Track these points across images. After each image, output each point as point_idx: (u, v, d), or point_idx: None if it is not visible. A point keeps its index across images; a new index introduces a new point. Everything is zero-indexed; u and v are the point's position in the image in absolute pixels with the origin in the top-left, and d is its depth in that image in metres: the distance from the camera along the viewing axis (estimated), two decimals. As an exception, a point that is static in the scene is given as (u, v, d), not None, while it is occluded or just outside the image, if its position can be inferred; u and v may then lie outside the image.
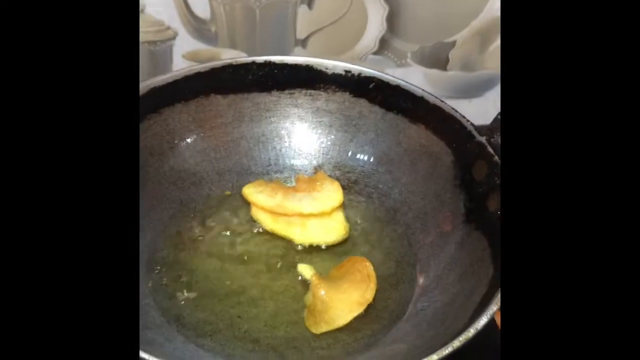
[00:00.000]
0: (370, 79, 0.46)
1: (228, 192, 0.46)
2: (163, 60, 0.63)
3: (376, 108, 0.46)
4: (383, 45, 0.62)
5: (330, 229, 0.43)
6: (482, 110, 0.67)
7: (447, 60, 0.64)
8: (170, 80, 0.44)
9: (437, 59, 0.64)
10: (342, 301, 0.38)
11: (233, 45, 0.62)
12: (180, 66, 0.62)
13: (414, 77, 0.60)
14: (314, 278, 0.39)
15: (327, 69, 0.47)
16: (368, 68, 0.46)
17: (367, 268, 0.40)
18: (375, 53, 0.63)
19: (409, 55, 0.63)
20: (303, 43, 0.62)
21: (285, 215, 0.43)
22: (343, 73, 0.47)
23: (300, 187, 0.44)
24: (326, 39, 0.62)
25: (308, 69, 0.47)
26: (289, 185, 0.46)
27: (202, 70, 0.45)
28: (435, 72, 0.64)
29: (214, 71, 0.45)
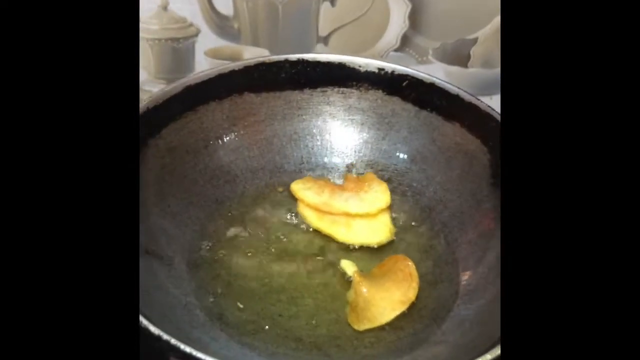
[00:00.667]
0: (403, 77, 0.46)
1: (280, 189, 0.47)
2: (185, 57, 0.62)
3: (409, 106, 0.46)
4: (405, 42, 0.62)
5: (375, 230, 0.43)
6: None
7: (469, 57, 0.64)
8: (204, 78, 0.44)
9: (458, 56, 0.63)
10: (385, 299, 0.38)
11: (255, 43, 0.62)
12: (202, 63, 0.62)
13: (435, 74, 0.60)
14: (355, 275, 0.39)
15: (359, 66, 0.47)
16: (401, 65, 0.46)
17: (409, 267, 0.40)
18: (396, 50, 0.63)
19: (430, 52, 0.63)
20: (325, 40, 0.62)
21: (331, 213, 0.43)
22: (376, 71, 0.47)
23: (348, 186, 0.44)
24: (348, 36, 0.62)
25: (340, 67, 0.47)
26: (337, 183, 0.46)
27: (236, 68, 0.45)
28: (456, 69, 0.64)
29: (247, 69, 0.45)
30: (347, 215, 0.42)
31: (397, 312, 0.38)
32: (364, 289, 0.38)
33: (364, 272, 0.40)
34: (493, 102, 0.68)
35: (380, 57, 0.63)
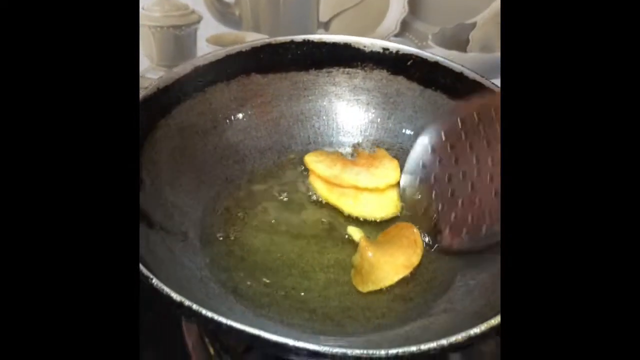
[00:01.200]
0: (408, 56, 0.47)
1: (289, 168, 0.48)
2: (187, 44, 0.63)
3: (414, 85, 0.47)
4: (404, 27, 0.63)
5: (382, 205, 0.44)
6: (501, 90, 0.68)
7: (468, 42, 0.64)
8: (213, 59, 0.44)
9: (457, 41, 0.64)
10: (389, 263, 0.39)
11: (257, 29, 0.62)
12: (204, 50, 0.62)
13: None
14: (362, 240, 0.40)
15: (364, 46, 0.47)
16: (406, 46, 0.47)
17: (415, 234, 0.41)
18: (396, 35, 0.63)
19: (429, 37, 0.64)
20: (325, 26, 0.63)
21: (341, 186, 0.43)
22: (381, 51, 0.47)
23: (359, 161, 0.45)
24: (348, 21, 0.63)
25: (346, 47, 0.48)
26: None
27: (243, 49, 0.46)
28: (455, 53, 0.64)
29: (254, 50, 0.46)
30: (356, 188, 0.43)
31: (401, 276, 0.39)
32: (369, 253, 0.39)
33: (370, 238, 0.41)
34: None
35: (381, 42, 0.63)
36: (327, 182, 0.44)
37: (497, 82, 0.67)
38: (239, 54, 0.45)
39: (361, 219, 0.44)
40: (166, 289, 0.29)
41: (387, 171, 0.45)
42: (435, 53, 0.63)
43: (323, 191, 0.44)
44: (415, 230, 0.41)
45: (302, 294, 0.38)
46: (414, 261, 0.40)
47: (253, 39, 0.62)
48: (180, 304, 0.29)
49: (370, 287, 0.39)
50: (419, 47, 0.64)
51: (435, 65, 0.46)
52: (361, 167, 0.44)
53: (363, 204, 0.44)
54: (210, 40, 0.63)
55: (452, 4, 0.62)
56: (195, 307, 0.29)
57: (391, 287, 0.39)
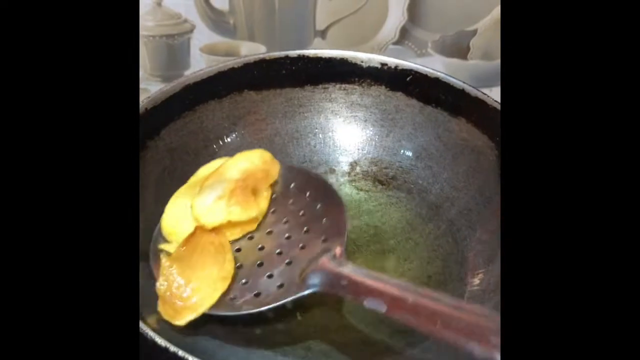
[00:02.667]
0: (407, 72, 0.45)
1: None
2: (180, 53, 0.61)
3: (414, 101, 0.45)
4: (403, 35, 0.61)
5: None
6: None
7: (468, 49, 0.63)
8: (204, 76, 0.43)
9: (458, 48, 0.63)
10: (203, 279, 0.34)
11: (251, 38, 0.61)
12: (198, 60, 0.61)
13: (434, 67, 0.59)
14: (163, 259, 0.35)
15: (362, 62, 0.46)
16: (405, 60, 0.45)
17: (219, 237, 0.36)
18: (395, 43, 0.62)
19: (429, 44, 0.62)
20: (322, 34, 0.61)
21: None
22: (379, 66, 0.46)
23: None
24: (346, 29, 0.61)
25: (342, 63, 0.46)
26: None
27: (236, 65, 0.44)
28: (455, 61, 0.63)
29: (247, 66, 0.44)
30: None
31: (221, 291, 0.34)
32: (174, 271, 0.34)
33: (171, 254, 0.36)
34: (493, 94, 0.67)
35: (379, 50, 0.62)
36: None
37: (498, 89, 0.66)
38: (232, 70, 0.44)
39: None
40: (150, 334, 0.28)
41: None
42: (435, 61, 0.63)
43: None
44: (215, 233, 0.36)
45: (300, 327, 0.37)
46: (229, 268, 0.35)
47: (248, 47, 0.61)
48: (166, 349, 0.27)
49: (189, 315, 0.33)
50: (419, 55, 0.62)
51: (436, 81, 0.44)
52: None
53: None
54: (204, 49, 0.61)
55: (452, 11, 0.61)
56: (181, 353, 0.27)
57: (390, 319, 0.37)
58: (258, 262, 0.36)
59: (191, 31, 0.60)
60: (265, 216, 0.39)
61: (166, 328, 0.33)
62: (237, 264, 0.36)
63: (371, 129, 0.47)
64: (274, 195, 0.40)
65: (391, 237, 0.43)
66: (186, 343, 0.29)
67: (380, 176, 0.47)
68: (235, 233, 0.38)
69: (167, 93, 0.41)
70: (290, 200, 0.40)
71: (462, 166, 0.43)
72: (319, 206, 0.38)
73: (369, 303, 0.30)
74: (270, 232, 0.38)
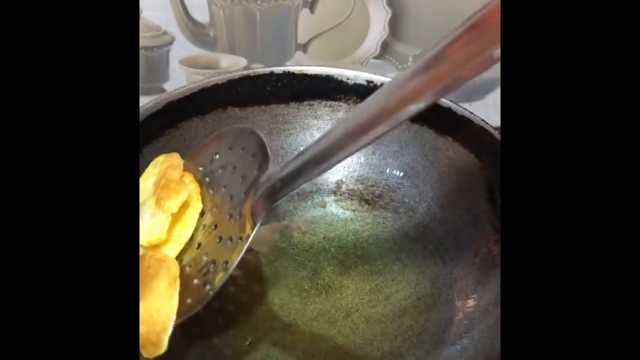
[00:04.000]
0: (393, 90, 0.44)
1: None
2: (159, 66, 0.60)
3: (400, 120, 0.45)
4: (385, 49, 0.61)
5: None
6: (482, 113, 0.67)
7: (449, 64, 0.63)
8: (187, 93, 0.42)
9: (438, 63, 0.63)
10: (154, 303, 0.32)
11: (232, 51, 0.60)
12: (177, 72, 0.60)
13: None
14: None
15: (347, 79, 0.45)
16: (386, 76, 0.45)
17: (154, 256, 0.34)
18: (376, 57, 0.62)
19: (410, 59, 0.62)
20: (304, 48, 0.61)
21: None
22: (364, 83, 0.45)
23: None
24: (327, 43, 0.61)
25: (328, 79, 0.45)
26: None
27: (220, 82, 0.43)
28: (435, 76, 0.63)
29: (231, 83, 0.43)
30: None
31: (176, 304, 0.33)
32: None
33: None
34: (473, 109, 0.68)
35: (360, 64, 0.62)
36: None
37: (478, 104, 0.66)
38: (215, 86, 0.43)
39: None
40: None
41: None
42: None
43: None
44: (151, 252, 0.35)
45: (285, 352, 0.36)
46: (174, 271, 0.34)
47: (228, 60, 0.60)
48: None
49: (156, 349, 0.31)
50: (400, 70, 0.62)
51: (422, 99, 0.43)
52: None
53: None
54: (184, 62, 0.60)
55: (433, 26, 0.61)
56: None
57: (380, 343, 0.36)
58: (217, 240, 0.35)
59: (170, 43, 0.59)
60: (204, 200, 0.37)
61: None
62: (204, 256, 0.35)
63: (357, 146, 0.47)
64: (206, 179, 0.38)
65: (379, 258, 0.42)
66: None
67: (367, 195, 0.46)
68: (190, 223, 0.36)
69: (150, 110, 0.40)
70: (220, 171, 0.38)
71: (449, 185, 0.43)
72: (250, 153, 0.36)
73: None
74: (215, 207, 0.36)
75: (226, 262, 0.32)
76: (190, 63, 0.60)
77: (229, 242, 0.33)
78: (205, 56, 0.60)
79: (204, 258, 0.34)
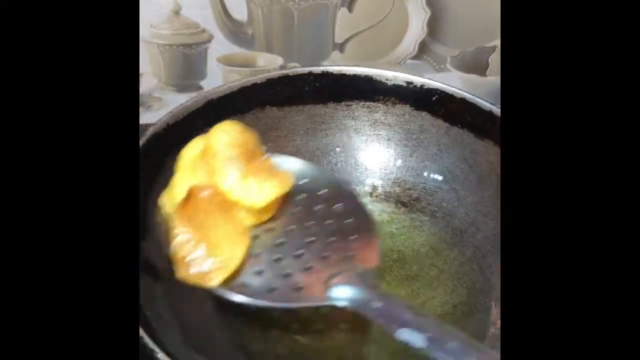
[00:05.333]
0: (433, 91, 0.44)
1: None
2: (197, 64, 0.60)
3: (439, 122, 0.44)
4: (422, 50, 0.61)
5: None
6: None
7: (487, 65, 0.62)
8: (226, 92, 0.42)
9: (477, 64, 0.62)
10: (221, 236, 0.32)
11: (269, 49, 0.60)
12: (214, 70, 0.60)
13: (453, 83, 0.59)
14: (172, 222, 0.32)
15: (387, 79, 0.45)
16: (437, 80, 0.44)
17: (218, 194, 0.33)
18: (413, 57, 0.61)
19: (448, 59, 0.62)
20: (341, 47, 0.60)
21: None
22: (404, 84, 0.45)
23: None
24: (364, 42, 0.61)
25: (367, 80, 0.45)
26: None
27: (259, 81, 0.43)
28: (473, 77, 0.62)
29: (270, 82, 0.43)
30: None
31: (244, 248, 0.32)
32: (186, 234, 0.31)
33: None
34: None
35: (397, 64, 0.61)
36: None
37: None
38: (254, 86, 0.43)
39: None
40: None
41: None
42: (453, 77, 0.62)
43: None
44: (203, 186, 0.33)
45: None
46: (243, 225, 0.33)
47: (265, 59, 0.60)
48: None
49: (219, 275, 0.31)
50: (437, 71, 0.62)
51: (462, 101, 0.43)
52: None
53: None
54: (221, 60, 0.61)
55: (472, 27, 0.60)
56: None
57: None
58: (275, 257, 0.34)
59: (209, 41, 0.59)
60: (284, 212, 0.36)
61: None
62: (253, 253, 0.33)
63: (394, 148, 0.46)
64: (302, 196, 0.37)
65: (414, 262, 0.42)
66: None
67: (403, 197, 0.45)
68: (249, 219, 0.35)
69: (189, 108, 0.40)
70: (318, 206, 0.36)
71: (489, 190, 0.42)
72: (349, 221, 0.36)
73: (403, 334, 0.28)
74: (291, 231, 0.35)
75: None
76: (227, 61, 0.61)
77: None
78: (242, 54, 0.60)
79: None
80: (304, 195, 0.37)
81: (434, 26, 0.59)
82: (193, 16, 0.58)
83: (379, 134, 0.46)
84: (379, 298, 0.30)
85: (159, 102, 0.63)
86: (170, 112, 0.40)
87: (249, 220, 0.34)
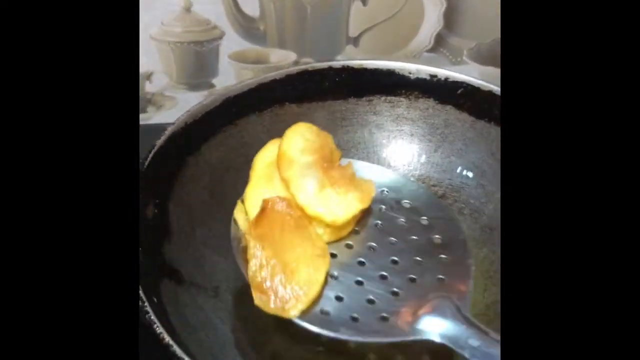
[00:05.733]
0: (458, 84, 0.43)
1: None
2: (209, 61, 0.59)
3: (464, 115, 0.43)
4: (438, 42, 0.60)
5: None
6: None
7: (504, 57, 0.61)
8: (245, 89, 0.41)
9: (493, 56, 0.61)
10: (299, 259, 0.29)
11: (282, 45, 0.59)
12: (226, 67, 0.59)
13: (469, 75, 0.58)
14: (251, 242, 0.30)
15: (410, 73, 0.43)
16: (456, 72, 0.43)
17: (293, 209, 0.31)
18: (429, 50, 0.60)
19: (465, 52, 0.60)
20: (355, 41, 0.59)
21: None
22: (427, 77, 0.43)
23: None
24: (379, 36, 0.59)
25: (388, 74, 0.44)
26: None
27: (278, 77, 0.42)
28: (491, 69, 0.61)
29: (289, 78, 0.42)
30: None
31: (326, 268, 0.30)
32: (264, 255, 0.29)
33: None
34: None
35: (413, 57, 0.60)
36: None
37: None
38: (273, 82, 0.42)
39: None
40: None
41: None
42: (470, 69, 0.61)
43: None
44: (284, 201, 0.31)
45: None
46: (321, 244, 0.31)
47: (278, 55, 0.59)
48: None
49: (298, 306, 0.29)
50: (454, 63, 0.60)
51: (489, 94, 0.42)
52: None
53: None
54: (233, 56, 0.59)
55: (489, 18, 0.59)
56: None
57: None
58: (356, 279, 0.31)
59: (220, 38, 0.58)
60: (363, 225, 0.34)
61: None
62: (331, 274, 0.31)
63: (418, 144, 0.45)
64: (383, 207, 0.35)
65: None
66: None
67: (429, 194, 0.44)
68: (327, 235, 0.32)
69: (207, 107, 0.39)
70: (402, 219, 0.34)
71: (518, 186, 0.41)
72: (437, 237, 0.33)
73: None
74: (372, 249, 0.33)
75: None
76: (239, 58, 0.59)
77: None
78: (254, 50, 0.59)
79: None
80: (385, 206, 0.35)
81: (450, 18, 0.58)
82: (204, 12, 0.57)
83: (402, 129, 0.45)
84: (476, 335, 0.27)
85: (170, 101, 0.62)
86: (188, 111, 0.38)
87: (326, 236, 0.32)
